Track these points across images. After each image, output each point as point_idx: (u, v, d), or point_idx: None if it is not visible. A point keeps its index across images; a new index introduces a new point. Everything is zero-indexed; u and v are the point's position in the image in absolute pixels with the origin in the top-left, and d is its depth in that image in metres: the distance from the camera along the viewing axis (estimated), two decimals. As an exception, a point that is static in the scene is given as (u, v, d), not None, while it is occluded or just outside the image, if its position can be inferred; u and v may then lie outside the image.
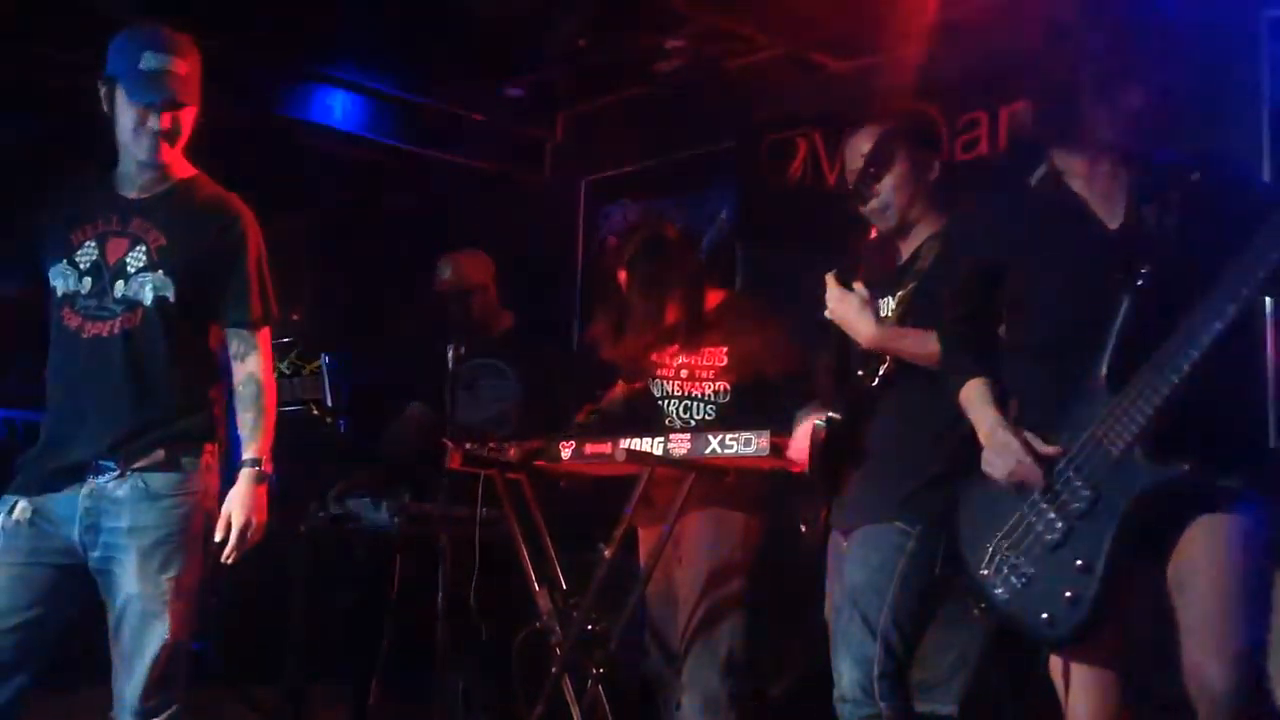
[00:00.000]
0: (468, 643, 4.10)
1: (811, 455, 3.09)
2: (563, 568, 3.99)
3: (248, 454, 3.03)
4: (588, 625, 3.78)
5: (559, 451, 3.80)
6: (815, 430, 3.08)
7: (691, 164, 5.96)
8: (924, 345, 2.90)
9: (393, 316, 6.31)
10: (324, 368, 4.75)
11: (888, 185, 3.14)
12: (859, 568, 2.98)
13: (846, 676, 2.93)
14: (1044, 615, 2.41)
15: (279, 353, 5.06)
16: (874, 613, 2.90)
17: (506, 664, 4.44)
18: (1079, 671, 2.50)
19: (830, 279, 3.02)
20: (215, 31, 5.50)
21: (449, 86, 6.23)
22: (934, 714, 3.71)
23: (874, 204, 3.15)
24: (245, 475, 3.01)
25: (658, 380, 3.91)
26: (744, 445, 3.43)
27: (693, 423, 3.81)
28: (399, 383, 5.16)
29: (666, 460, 3.57)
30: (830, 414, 3.05)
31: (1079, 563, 2.37)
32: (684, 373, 3.87)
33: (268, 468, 3.05)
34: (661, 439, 3.59)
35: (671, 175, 6.11)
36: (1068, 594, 2.36)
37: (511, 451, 3.90)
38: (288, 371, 4.99)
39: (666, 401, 3.89)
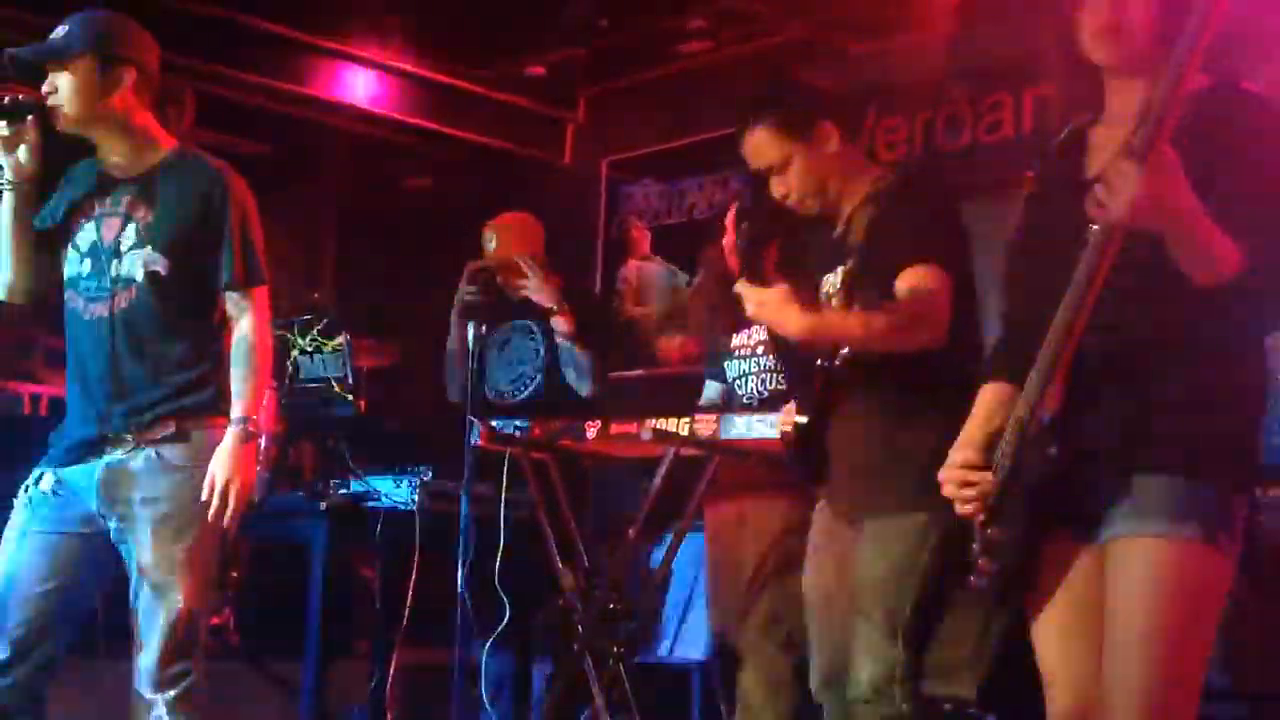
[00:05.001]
0: (489, 620, 4.11)
1: (786, 456, 3.04)
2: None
3: (235, 412, 3.01)
4: (610, 604, 3.79)
5: (584, 431, 3.80)
6: (785, 436, 3.03)
7: (713, 145, 5.95)
8: (846, 327, 2.84)
9: (413, 294, 6.32)
10: (345, 345, 4.76)
11: (792, 181, 3.02)
12: (877, 561, 2.86)
13: (865, 675, 2.84)
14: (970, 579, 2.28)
15: (300, 330, 5.10)
16: (898, 612, 2.80)
17: (528, 642, 4.47)
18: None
19: (742, 285, 2.85)
20: (241, 11, 5.55)
21: (471, 65, 6.23)
22: (955, 696, 3.71)
23: (791, 200, 3.05)
24: (231, 433, 2.99)
25: (734, 361, 3.91)
26: (768, 427, 3.40)
27: (766, 393, 3.79)
28: (420, 361, 5.17)
29: (691, 441, 3.57)
30: (798, 418, 2.97)
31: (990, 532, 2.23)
32: (760, 349, 3.86)
33: (254, 426, 3.02)
34: (688, 419, 3.59)
35: (693, 156, 6.10)
36: (980, 562, 2.24)
37: (536, 430, 3.90)
38: (309, 349, 5.00)
39: (743, 380, 3.87)
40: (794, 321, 2.78)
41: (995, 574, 2.18)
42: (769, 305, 2.80)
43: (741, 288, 2.85)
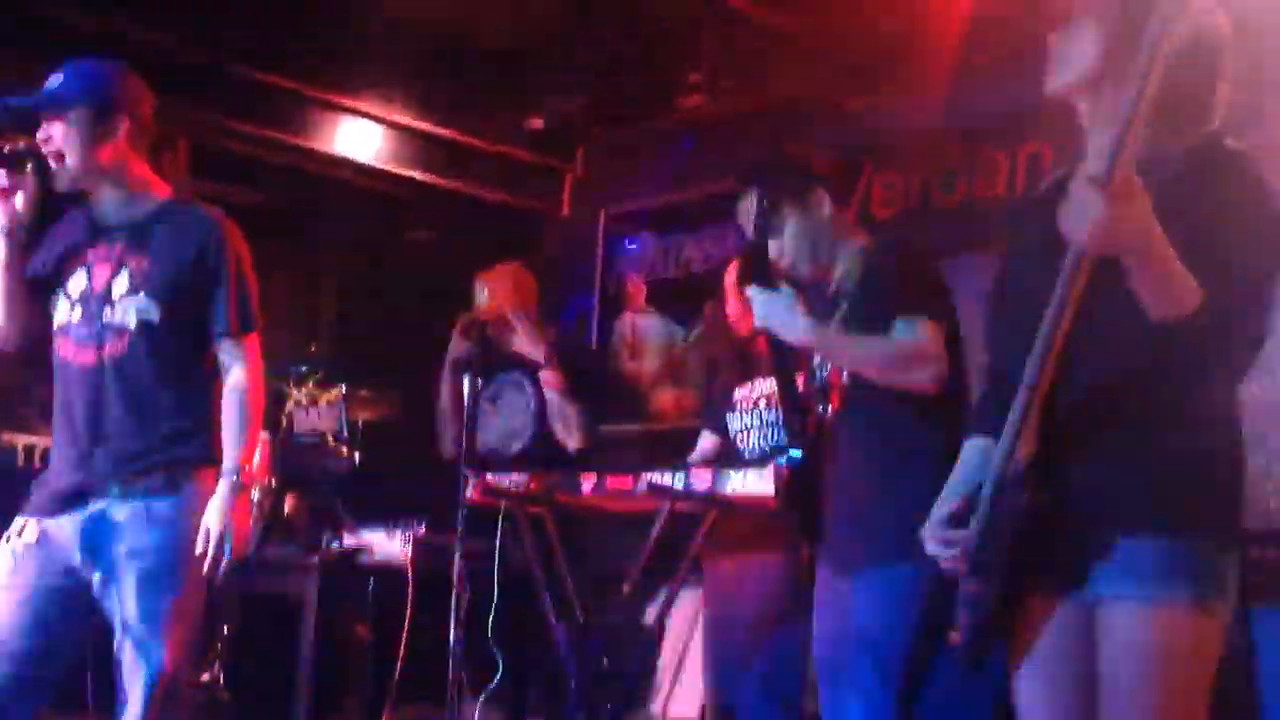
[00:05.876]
0: (482, 676, 4.08)
1: (779, 495, 3.07)
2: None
3: (228, 462, 3.00)
4: (603, 660, 3.76)
5: (580, 484, 3.78)
6: (778, 470, 3.06)
7: (711, 199, 5.98)
8: (860, 345, 2.95)
9: (412, 346, 6.32)
10: (342, 398, 4.74)
11: (785, 245, 3.16)
12: (869, 610, 2.95)
13: (855, 718, 2.90)
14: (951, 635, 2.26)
15: (296, 382, 5.09)
16: (887, 657, 2.86)
17: (522, 697, 4.42)
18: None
19: (753, 289, 2.99)
20: (242, 64, 5.58)
21: (470, 118, 6.27)
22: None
23: (784, 263, 3.18)
24: (223, 484, 2.98)
25: (736, 415, 3.91)
26: (765, 482, 3.39)
27: (767, 448, 3.79)
28: (416, 413, 5.15)
29: (686, 496, 3.55)
30: (791, 452, 3.03)
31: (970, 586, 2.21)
32: (762, 403, 3.86)
33: (246, 477, 3.01)
34: (683, 473, 3.57)
35: (691, 209, 6.12)
36: (960, 617, 2.22)
37: (532, 484, 3.88)
38: (305, 401, 5.00)
39: (745, 434, 3.87)
40: (799, 327, 2.90)
41: (975, 628, 2.16)
42: (777, 309, 2.91)
43: (751, 291, 2.96)
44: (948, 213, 5.46)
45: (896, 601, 2.86)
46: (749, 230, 3.24)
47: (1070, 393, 2.09)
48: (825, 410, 3.03)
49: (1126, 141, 1.93)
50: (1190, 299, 1.97)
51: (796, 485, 3.02)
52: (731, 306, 3.98)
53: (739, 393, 3.93)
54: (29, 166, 3.00)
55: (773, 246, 3.16)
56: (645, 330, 6.37)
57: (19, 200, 3.01)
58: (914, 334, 2.92)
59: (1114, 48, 2.14)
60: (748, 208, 3.20)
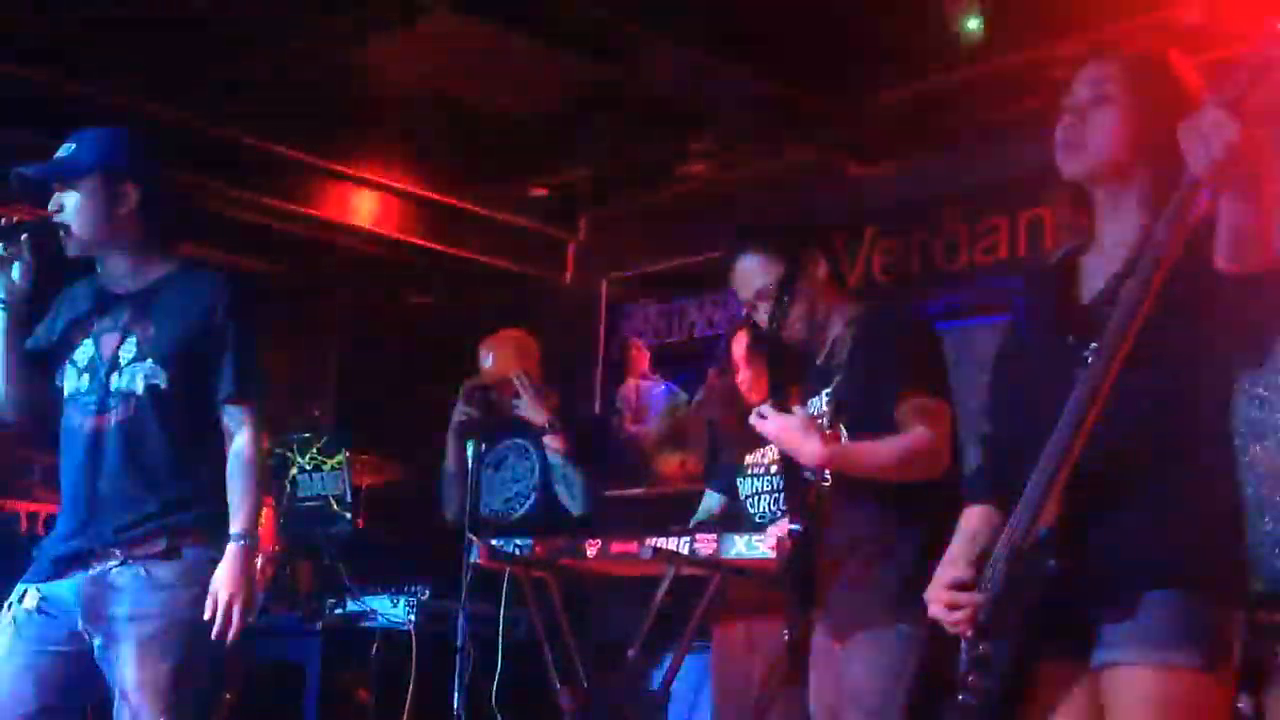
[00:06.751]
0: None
1: (781, 568, 3.09)
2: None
3: (235, 527, 2.98)
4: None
5: (584, 549, 3.78)
6: (781, 544, 3.10)
7: (714, 266, 6.00)
8: (875, 455, 2.93)
9: (415, 412, 6.33)
10: (345, 463, 4.74)
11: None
12: (863, 672, 2.95)
13: None
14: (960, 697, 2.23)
15: (300, 448, 5.09)
16: (883, 717, 2.86)
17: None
18: None
19: (767, 407, 2.97)
20: (246, 132, 5.64)
21: (473, 186, 6.32)
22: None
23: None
24: (231, 549, 2.96)
25: (747, 479, 3.92)
26: (765, 545, 3.40)
27: (778, 512, 3.80)
28: (420, 478, 5.16)
29: (691, 560, 3.55)
30: (792, 526, 3.03)
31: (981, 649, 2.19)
32: (773, 467, 3.87)
33: (254, 541, 3.00)
34: (688, 538, 3.57)
35: (694, 276, 6.15)
36: (970, 679, 2.20)
37: (537, 549, 3.88)
38: (308, 467, 5.00)
39: (756, 499, 3.88)
40: (815, 450, 2.86)
41: (988, 691, 2.15)
42: (793, 428, 2.88)
43: (767, 410, 2.93)
44: (949, 278, 5.49)
45: (890, 663, 2.88)
46: (742, 295, 3.25)
47: (1087, 454, 2.08)
48: (823, 478, 3.04)
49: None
50: (1272, 251, 1.92)
51: (795, 557, 3.03)
52: (741, 375, 4.00)
53: (750, 457, 3.95)
54: (25, 238, 3.02)
55: (763, 310, 3.17)
56: (648, 395, 6.39)
57: (16, 271, 3.03)
58: (923, 417, 2.91)
59: (1143, 135, 2.14)
60: (743, 270, 3.21)
